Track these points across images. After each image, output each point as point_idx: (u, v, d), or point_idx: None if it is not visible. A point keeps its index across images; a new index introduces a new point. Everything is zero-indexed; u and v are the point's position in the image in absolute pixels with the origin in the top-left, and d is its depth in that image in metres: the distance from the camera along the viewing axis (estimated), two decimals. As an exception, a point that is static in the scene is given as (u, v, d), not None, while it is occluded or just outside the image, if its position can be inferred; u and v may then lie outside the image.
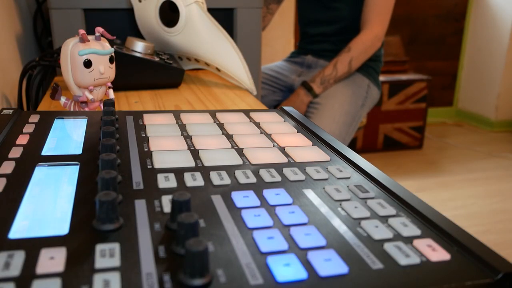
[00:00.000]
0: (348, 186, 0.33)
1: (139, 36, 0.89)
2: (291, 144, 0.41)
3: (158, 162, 0.34)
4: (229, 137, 0.42)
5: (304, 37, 1.51)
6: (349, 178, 0.34)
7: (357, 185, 0.32)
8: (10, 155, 0.34)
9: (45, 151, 0.36)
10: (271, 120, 0.49)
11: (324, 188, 0.32)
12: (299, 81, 1.44)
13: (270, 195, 0.30)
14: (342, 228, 0.27)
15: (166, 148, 0.38)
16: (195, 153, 0.37)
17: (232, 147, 0.39)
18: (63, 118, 0.45)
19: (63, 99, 0.56)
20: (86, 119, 0.45)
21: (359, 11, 1.37)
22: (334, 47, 1.42)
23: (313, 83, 1.34)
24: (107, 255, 0.22)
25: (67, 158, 0.35)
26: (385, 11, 1.35)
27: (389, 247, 0.25)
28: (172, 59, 0.81)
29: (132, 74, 0.75)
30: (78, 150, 0.36)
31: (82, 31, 0.51)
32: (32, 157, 0.34)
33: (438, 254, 0.24)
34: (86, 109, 0.56)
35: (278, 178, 0.33)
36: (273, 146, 0.41)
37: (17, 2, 0.97)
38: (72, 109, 0.56)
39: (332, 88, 1.36)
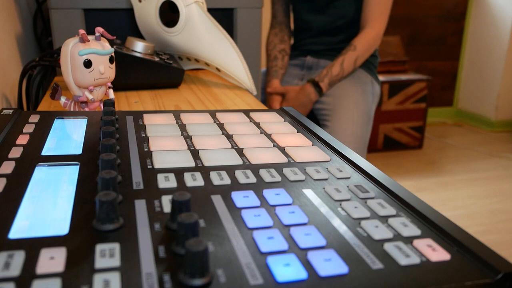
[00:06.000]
0: (348, 186, 0.33)
1: (139, 36, 0.89)
2: (291, 144, 0.41)
3: (158, 162, 0.34)
4: (229, 137, 0.42)
5: (301, 39, 1.50)
6: (349, 178, 0.34)
7: (357, 185, 0.32)
8: (10, 155, 0.34)
9: (45, 151, 0.36)
10: (271, 120, 0.49)
11: (324, 188, 0.32)
12: (302, 85, 1.42)
13: (270, 195, 0.30)
14: (342, 228, 0.27)
15: (166, 148, 0.38)
16: (195, 153, 0.37)
17: (232, 147, 0.39)
18: (63, 118, 0.45)
19: (63, 99, 0.56)
20: (86, 119, 0.45)
21: (360, 8, 1.37)
22: (334, 46, 1.41)
23: (321, 82, 1.33)
24: (107, 255, 0.22)
25: (67, 158, 0.35)
26: (385, 10, 1.36)
27: (389, 247, 0.25)
28: (172, 59, 0.81)
29: (132, 74, 0.75)
30: (78, 150, 0.36)
31: (82, 31, 0.51)
32: (32, 157, 0.34)
33: (438, 254, 0.24)
34: (86, 109, 0.56)
35: (278, 178, 0.33)
36: (273, 146, 0.41)
37: (17, 2, 0.97)
38: (72, 109, 0.56)
39: (340, 88, 1.35)
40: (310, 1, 1.41)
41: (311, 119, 1.44)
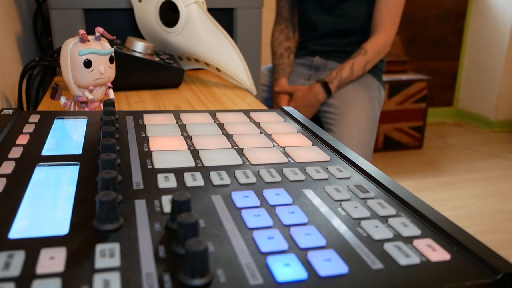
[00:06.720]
0: (348, 186, 0.33)
1: (139, 36, 0.89)
2: (291, 144, 0.41)
3: (158, 162, 0.34)
4: (229, 137, 0.42)
5: (308, 39, 1.48)
6: (349, 178, 0.34)
7: (357, 185, 0.32)
8: (10, 155, 0.34)
9: (45, 151, 0.36)
10: (271, 120, 0.49)
11: (324, 188, 0.32)
12: (310, 85, 1.39)
13: (270, 195, 0.30)
14: (342, 228, 0.27)
15: (166, 148, 0.38)
16: (195, 153, 0.37)
17: (232, 147, 0.39)
18: (63, 118, 0.45)
19: (63, 99, 0.56)
20: (86, 119, 0.45)
21: (369, 13, 1.35)
22: (342, 48, 1.40)
23: (331, 84, 1.31)
24: (107, 255, 0.22)
25: (67, 158, 0.35)
26: (396, 16, 1.34)
27: (389, 247, 0.25)
28: (172, 59, 0.81)
29: (132, 74, 0.75)
30: (78, 150, 0.36)
31: (82, 31, 0.51)
32: (32, 157, 0.34)
33: (438, 254, 0.24)
34: (86, 109, 0.56)
35: (278, 178, 0.33)
36: (273, 146, 0.41)
37: (17, 2, 0.97)
38: (72, 109, 0.56)
39: (349, 92, 1.33)
40: (317, 0, 1.40)
41: (315, 121, 1.43)
